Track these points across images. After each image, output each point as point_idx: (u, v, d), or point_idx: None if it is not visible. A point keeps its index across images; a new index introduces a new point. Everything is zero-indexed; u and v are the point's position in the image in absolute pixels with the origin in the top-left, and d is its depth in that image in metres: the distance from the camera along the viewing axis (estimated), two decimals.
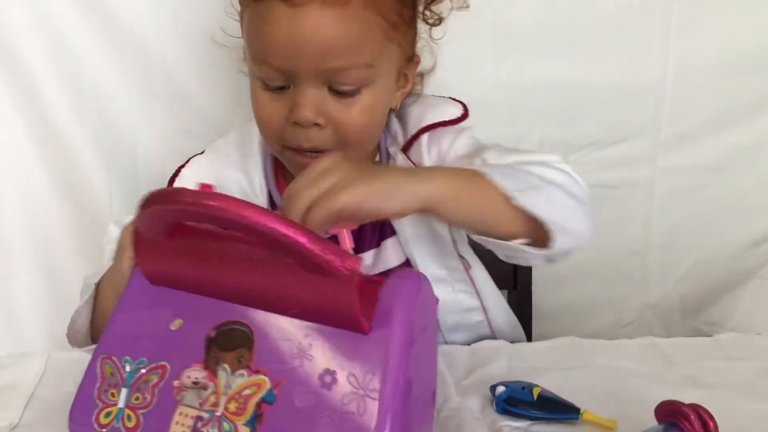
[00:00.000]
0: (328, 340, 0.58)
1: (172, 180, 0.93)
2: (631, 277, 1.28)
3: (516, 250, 0.77)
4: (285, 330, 0.60)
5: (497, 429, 0.72)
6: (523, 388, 0.76)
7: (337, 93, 0.79)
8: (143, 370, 0.62)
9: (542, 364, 0.88)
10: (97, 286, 0.83)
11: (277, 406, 0.57)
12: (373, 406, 0.55)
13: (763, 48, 1.16)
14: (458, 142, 0.90)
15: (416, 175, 0.75)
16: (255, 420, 0.57)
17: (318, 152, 0.81)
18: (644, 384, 0.83)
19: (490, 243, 0.78)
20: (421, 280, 0.61)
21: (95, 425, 0.62)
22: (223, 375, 0.60)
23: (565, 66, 1.14)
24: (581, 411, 0.74)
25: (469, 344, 0.92)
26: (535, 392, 0.75)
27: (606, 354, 0.90)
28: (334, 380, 0.57)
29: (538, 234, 0.75)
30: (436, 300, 0.64)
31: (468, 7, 0.90)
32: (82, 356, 0.82)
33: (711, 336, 1.06)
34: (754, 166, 1.20)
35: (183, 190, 0.58)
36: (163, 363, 0.62)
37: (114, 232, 0.82)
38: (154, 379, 0.62)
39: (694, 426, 0.66)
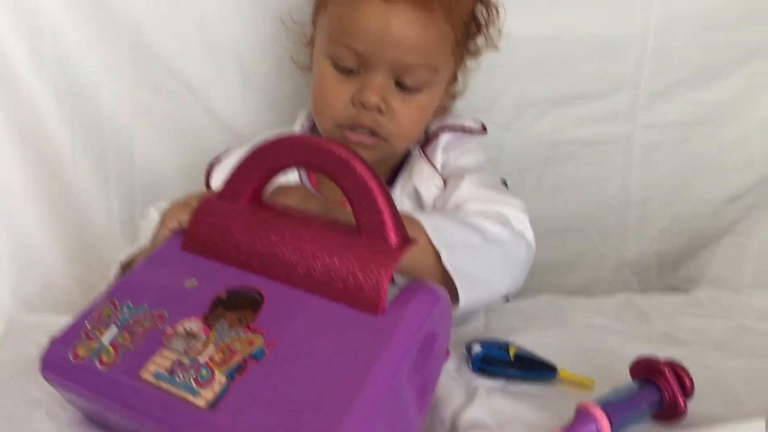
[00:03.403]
0: (338, 316, 0.57)
1: (210, 168, 0.94)
2: (608, 235, 1.25)
3: None
4: (297, 301, 0.59)
5: (473, 389, 0.71)
6: (500, 347, 0.75)
7: (402, 87, 0.85)
8: (140, 315, 0.61)
9: (519, 323, 0.87)
10: (127, 265, 0.81)
11: (264, 363, 0.55)
12: (356, 392, 0.53)
13: (745, 3, 1.14)
14: (465, 158, 0.92)
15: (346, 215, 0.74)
16: (236, 371, 0.55)
17: (372, 133, 0.85)
18: (622, 342, 0.82)
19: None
20: (441, 293, 0.60)
21: (70, 356, 0.60)
22: (218, 329, 0.58)
23: (543, 18, 1.10)
24: (558, 370, 0.73)
25: None
26: (512, 351, 0.74)
27: (583, 312, 0.90)
28: (331, 354, 0.55)
29: (455, 288, 0.74)
30: (447, 353, 0.63)
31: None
32: (47, 319, 0.80)
33: (687, 292, 1.08)
34: (735, 122, 1.18)
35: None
36: (162, 311, 0.60)
37: (154, 215, 0.86)
38: (148, 323, 0.60)
39: (670, 382, 0.66)
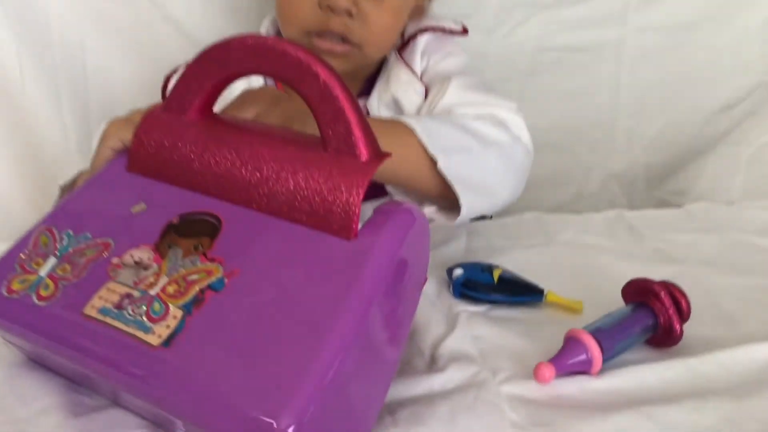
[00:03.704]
0: (305, 241, 0.51)
1: (166, 81, 0.87)
2: (595, 146, 1.20)
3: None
4: (259, 226, 0.53)
5: (454, 315, 0.66)
6: (483, 269, 0.70)
7: None
8: (82, 244, 0.54)
9: (503, 242, 0.82)
10: (67, 188, 0.74)
11: (223, 294, 0.50)
12: (328, 326, 0.47)
13: None
14: (447, 62, 0.84)
15: None
16: (192, 304, 0.49)
17: (343, 40, 0.78)
18: (611, 261, 0.77)
19: (400, 194, 0.75)
20: (418, 214, 0.54)
21: (3, 290, 0.54)
22: (171, 258, 0.52)
23: None
24: (545, 292, 0.69)
25: None
26: (496, 274, 0.69)
27: (571, 229, 0.85)
28: (298, 284, 0.49)
29: (452, 195, 0.69)
30: (425, 279, 0.57)
31: None
32: None
33: (676, 205, 1.03)
34: (731, 24, 1.11)
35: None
36: (107, 240, 0.54)
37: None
38: (91, 253, 0.54)
39: (665, 304, 0.61)
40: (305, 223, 0.52)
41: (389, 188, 0.79)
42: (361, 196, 0.51)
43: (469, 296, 0.69)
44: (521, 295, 0.69)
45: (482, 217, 0.85)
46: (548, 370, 0.56)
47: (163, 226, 0.54)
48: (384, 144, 0.58)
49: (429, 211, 0.72)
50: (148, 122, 0.58)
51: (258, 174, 0.54)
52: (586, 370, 0.58)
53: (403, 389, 0.56)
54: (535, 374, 0.56)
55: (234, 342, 0.47)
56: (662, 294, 0.61)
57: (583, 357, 0.57)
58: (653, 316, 0.61)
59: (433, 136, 0.68)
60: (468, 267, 0.70)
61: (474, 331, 0.64)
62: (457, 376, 0.57)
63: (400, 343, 0.54)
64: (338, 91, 0.51)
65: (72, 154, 1.01)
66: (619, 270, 0.75)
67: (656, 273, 0.70)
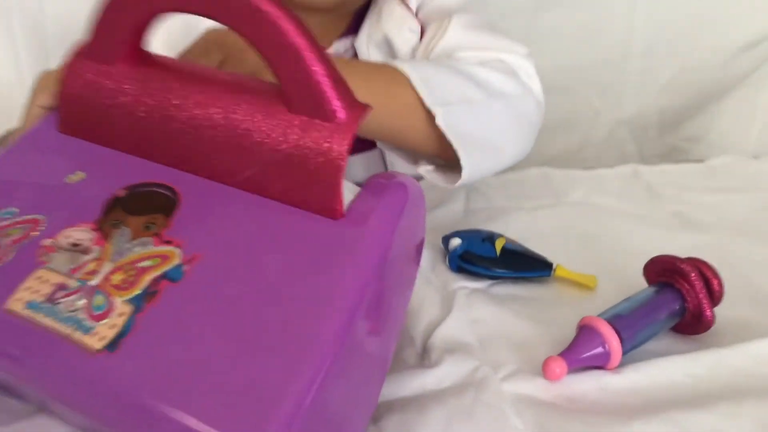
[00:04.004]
0: (281, 220, 0.42)
1: None
2: (605, 90, 1.11)
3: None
4: (225, 201, 0.44)
5: (450, 293, 0.58)
6: (483, 239, 0.61)
7: None
8: (5, 222, 0.45)
9: (505, 203, 0.73)
10: None
11: (182, 285, 0.41)
12: (318, 320, 0.39)
13: None
14: None
15: None
16: (144, 297, 0.41)
17: None
18: (627, 226, 0.69)
19: (394, 154, 0.66)
20: (411, 188, 0.45)
21: None
22: (117, 240, 0.43)
23: None
24: (554, 267, 0.60)
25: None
26: (498, 245, 0.61)
27: (581, 187, 0.76)
28: (276, 272, 0.40)
29: (451, 154, 0.60)
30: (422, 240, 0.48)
31: None
32: None
33: (691, 157, 0.95)
34: None
35: None
36: (37, 216, 0.45)
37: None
38: (17, 233, 0.45)
39: (695, 287, 0.53)
40: (280, 199, 0.43)
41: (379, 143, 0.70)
42: (344, 166, 0.42)
43: (467, 271, 0.60)
44: (527, 270, 0.60)
45: None
46: (559, 366, 0.48)
47: (107, 201, 0.45)
48: (373, 93, 0.50)
49: (425, 170, 0.63)
50: (73, 73, 0.48)
51: (220, 137, 0.44)
52: (603, 364, 0.50)
53: (391, 389, 0.48)
54: (544, 370, 0.48)
55: (195, 347, 0.39)
56: (692, 275, 0.53)
57: (599, 350, 0.49)
58: (680, 299, 0.53)
59: (431, 84, 0.59)
60: (467, 236, 0.61)
61: (473, 314, 0.56)
62: (453, 372, 0.49)
63: (394, 339, 0.46)
64: (295, 35, 0.41)
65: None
66: (635, 238, 0.67)
67: (678, 243, 0.63)
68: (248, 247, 0.42)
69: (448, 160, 0.62)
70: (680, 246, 0.63)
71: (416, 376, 0.49)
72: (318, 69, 0.41)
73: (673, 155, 1.13)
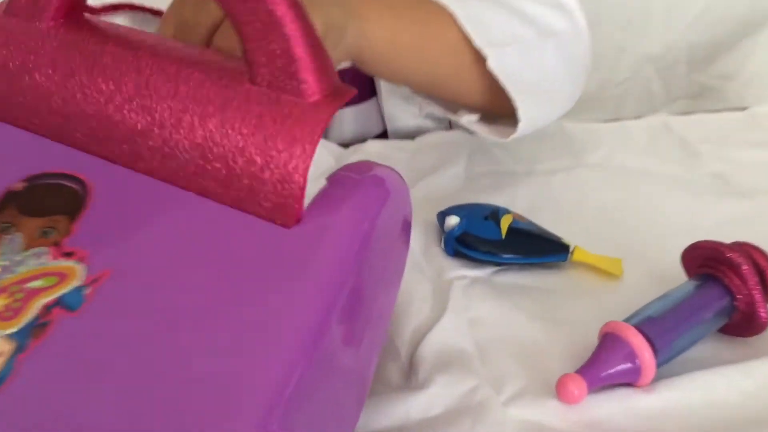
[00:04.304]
0: (219, 227, 0.32)
1: None
2: (628, 23, 1.02)
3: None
4: (147, 199, 0.34)
5: (445, 285, 0.48)
6: (486, 216, 0.51)
7: None
8: None
9: (515, 166, 0.62)
10: None
11: (81, 315, 0.31)
12: (258, 375, 0.29)
13: None
14: None
15: (339, 5, 0.47)
16: (30, 332, 0.31)
17: None
18: (658, 193, 0.59)
19: (433, 104, 0.59)
20: (392, 183, 0.35)
21: None
22: (5, 249, 0.33)
23: None
24: (571, 249, 0.50)
25: (412, 138, 0.66)
26: (504, 223, 0.50)
27: (604, 145, 0.65)
28: (208, 297, 0.31)
29: (501, 103, 0.53)
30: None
31: None
32: None
33: (720, 92, 0.93)
34: None
35: None
36: None
37: None
38: None
39: (748, 281, 0.43)
40: (221, 199, 0.33)
41: (382, 87, 0.61)
42: (310, 161, 0.31)
43: (467, 256, 0.50)
44: (539, 255, 0.50)
45: None
46: (578, 386, 0.39)
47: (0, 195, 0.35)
48: (411, 32, 0.49)
49: (469, 121, 0.57)
50: None
51: (148, 117, 0.34)
52: (632, 381, 0.40)
53: (369, 417, 0.39)
54: (559, 391, 0.39)
55: (91, 405, 0.29)
56: (743, 267, 0.42)
57: (627, 366, 0.40)
58: (728, 296, 0.43)
59: (479, 22, 0.52)
60: (467, 213, 0.51)
61: (472, 312, 0.46)
62: (445, 395, 0.40)
63: (375, 353, 0.36)
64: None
65: None
66: (669, 208, 0.56)
67: (720, 212, 0.53)
68: (173, 262, 0.32)
69: (494, 111, 0.56)
70: (723, 216, 0.54)
71: (400, 400, 0.39)
72: (293, 31, 0.31)
73: (704, 95, 1.07)
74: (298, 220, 0.31)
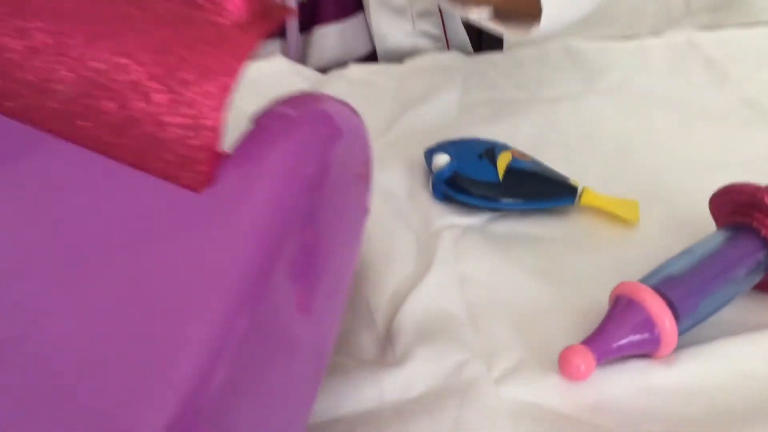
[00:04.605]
0: (113, 187, 0.26)
1: None
2: None
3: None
4: (17, 148, 0.27)
5: (433, 234, 0.42)
6: (480, 155, 0.44)
7: None
8: None
9: (517, 93, 0.55)
10: None
11: None
12: (178, 339, 0.23)
13: None
14: None
15: None
16: None
17: None
18: (682, 122, 0.51)
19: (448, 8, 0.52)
20: (344, 121, 0.28)
21: None
22: None
23: None
24: (579, 191, 0.43)
25: (401, 61, 0.59)
26: (501, 163, 0.43)
27: (618, 66, 0.57)
28: (111, 277, 0.24)
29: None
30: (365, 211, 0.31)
31: None
32: None
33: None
34: None
35: None
36: None
37: None
38: None
39: None
40: (113, 151, 0.26)
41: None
42: (226, 99, 0.24)
43: (458, 201, 0.43)
44: (541, 198, 0.43)
45: None
46: (584, 360, 0.33)
47: None
48: None
49: (479, 17, 0.49)
50: None
51: (25, 42, 0.27)
52: (649, 353, 0.34)
53: (333, 399, 0.33)
54: (562, 366, 0.33)
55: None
56: None
57: (643, 335, 0.33)
58: (765, 248, 0.36)
59: None
60: (458, 150, 0.44)
61: (462, 267, 0.39)
62: (428, 372, 0.33)
63: (334, 319, 0.30)
64: None
65: None
66: (693, 140, 0.49)
67: (752, 145, 0.46)
68: (65, 236, 0.26)
69: (511, 7, 0.49)
70: (757, 151, 0.46)
71: (372, 378, 0.33)
72: None
73: (728, 7, 0.97)
74: (211, 176, 0.25)
